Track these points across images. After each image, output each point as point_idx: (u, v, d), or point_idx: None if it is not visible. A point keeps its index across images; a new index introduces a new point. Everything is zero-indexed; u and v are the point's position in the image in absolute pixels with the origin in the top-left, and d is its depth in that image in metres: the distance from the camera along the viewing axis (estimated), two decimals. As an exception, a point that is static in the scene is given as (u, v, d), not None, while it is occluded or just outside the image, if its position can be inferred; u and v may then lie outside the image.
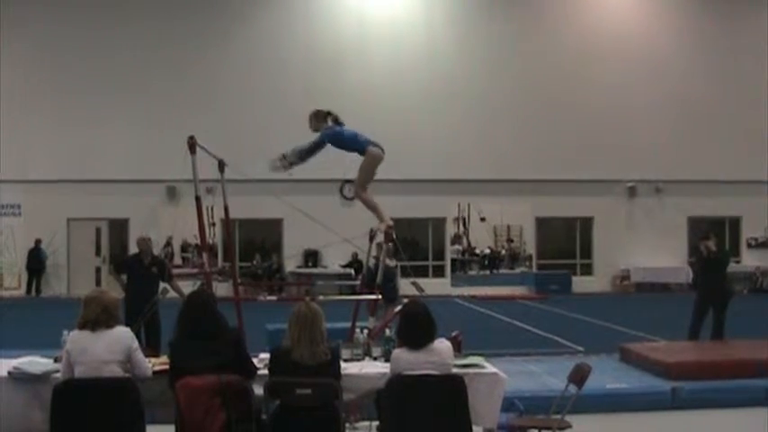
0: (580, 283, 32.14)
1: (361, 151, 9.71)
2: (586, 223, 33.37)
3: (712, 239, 15.01)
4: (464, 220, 37.85)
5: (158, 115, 30.00)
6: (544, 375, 11.72)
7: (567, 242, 34.01)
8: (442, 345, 7.03)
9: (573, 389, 8.00)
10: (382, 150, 9.68)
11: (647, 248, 31.59)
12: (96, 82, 30.63)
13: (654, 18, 33.08)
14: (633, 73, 32.27)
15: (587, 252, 33.52)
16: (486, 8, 32.39)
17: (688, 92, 32.07)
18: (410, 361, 6.87)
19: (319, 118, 9.94)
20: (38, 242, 30.63)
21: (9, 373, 7.27)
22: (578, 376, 7.98)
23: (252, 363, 7.21)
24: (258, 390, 6.87)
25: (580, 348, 16.15)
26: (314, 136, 9.90)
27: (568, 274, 32.57)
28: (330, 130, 9.81)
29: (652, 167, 31.82)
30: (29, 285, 30.93)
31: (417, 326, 7.01)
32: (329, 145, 9.75)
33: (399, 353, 6.99)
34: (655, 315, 21.00)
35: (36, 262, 30.84)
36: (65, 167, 30.23)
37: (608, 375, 11.52)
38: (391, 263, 14.11)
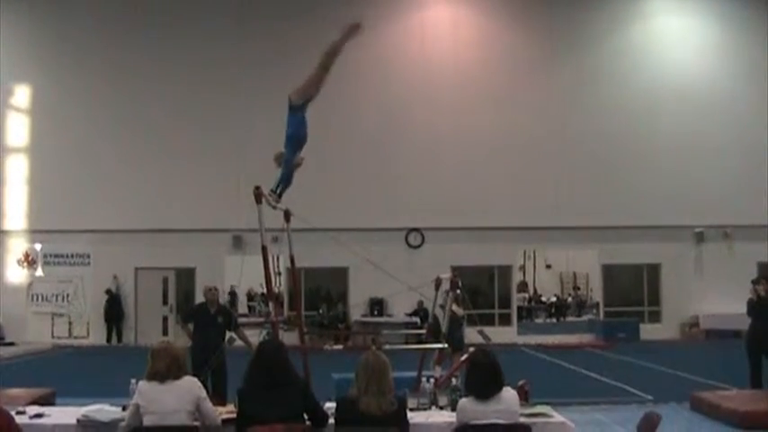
0: (648, 331, 31.67)
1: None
2: (654, 270, 33.01)
3: (763, 284, 14.92)
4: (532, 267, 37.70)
5: (224, 166, 30.30)
6: (612, 425, 11.59)
7: (634, 289, 33.62)
8: (508, 393, 6.99)
9: (642, 439, 7.88)
10: None
11: (716, 295, 30.99)
12: (163, 134, 31.15)
13: (718, 64, 32.88)
14: (699, 119, 32.10)
15: (655, 299, 33.10)
16: (551, 57, 32.44)
17: (754, 137, 31.76)
18: (477, 411, 6.83)
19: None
20: (109, 291, 30.96)
21: (78, 420, 7.38)
22: (648, 426, 7.84)
23: (323, 410, 7.20)
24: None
25: (649, 397, 15.93)
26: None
27: (636, 322, 32.10)
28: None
29: (719, 213, 31.47)
30: (108, 333, 31.26)
31: (484, 375, 6.96)
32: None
33: (466, 402, 6.96)
34: (725, 363, 20.62)
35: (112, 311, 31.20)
36: (133, 217, 30.67)
37: (678, 425, 11.36)
38: (459, 311, 14.06)
